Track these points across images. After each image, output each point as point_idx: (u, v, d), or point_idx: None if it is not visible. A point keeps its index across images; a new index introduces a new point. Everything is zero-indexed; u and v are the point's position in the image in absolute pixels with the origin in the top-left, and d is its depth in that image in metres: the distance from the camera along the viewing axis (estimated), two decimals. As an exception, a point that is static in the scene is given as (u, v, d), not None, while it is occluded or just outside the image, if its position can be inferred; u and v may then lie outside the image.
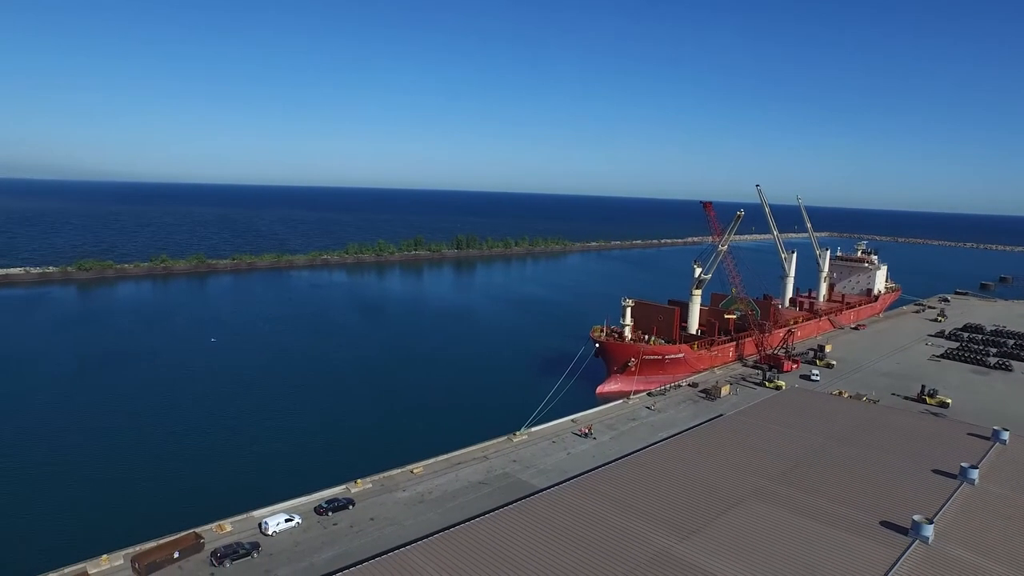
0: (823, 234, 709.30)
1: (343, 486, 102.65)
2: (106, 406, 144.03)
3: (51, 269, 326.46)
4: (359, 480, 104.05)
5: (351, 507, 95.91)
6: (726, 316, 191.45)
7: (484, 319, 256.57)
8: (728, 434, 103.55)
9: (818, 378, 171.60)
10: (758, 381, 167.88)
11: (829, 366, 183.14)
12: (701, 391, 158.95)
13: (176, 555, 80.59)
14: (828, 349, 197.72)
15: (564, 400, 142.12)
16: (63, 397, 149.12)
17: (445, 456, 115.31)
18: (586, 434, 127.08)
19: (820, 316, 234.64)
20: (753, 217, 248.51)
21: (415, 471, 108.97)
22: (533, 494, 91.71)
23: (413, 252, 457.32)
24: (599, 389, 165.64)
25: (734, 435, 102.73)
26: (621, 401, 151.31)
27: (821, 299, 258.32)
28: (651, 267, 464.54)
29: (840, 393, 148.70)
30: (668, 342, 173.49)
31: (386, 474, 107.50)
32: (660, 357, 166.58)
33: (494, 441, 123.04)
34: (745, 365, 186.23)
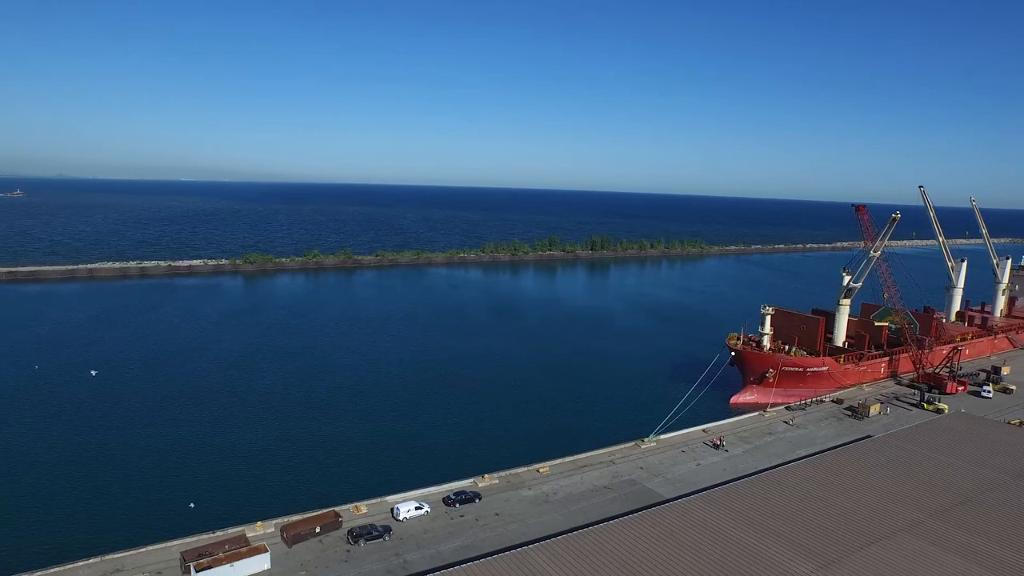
0: (1002, 240, 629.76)
1: (471, 480, 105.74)
2: (265, 390, 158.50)
3: (223, 261, 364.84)
4: (486, 475, 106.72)
5: (478, 500, 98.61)
6: (877, 325, 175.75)
7: (615, 321, 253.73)
8: (878, 458, 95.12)
9: (989, 395, 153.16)
10: (915, 402, 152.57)
11: (1006, 391, 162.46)
12: (846, 408, 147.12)
13: (317, 530, 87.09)
14: (1005, 371, 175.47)
15: (695, 409, 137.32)
16: (230, 379, 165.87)
17: (571, 458, 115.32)
18: (718, 445, 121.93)
19: (995, 333, 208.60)
20: (915, 221, 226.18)
21: (541, 470, 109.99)
22: (660, 504, 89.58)
23: (547, 252, 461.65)
24: (733, 399, 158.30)
25: (885, 460, 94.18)
26: (757, 413, 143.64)
27: (997, 314, 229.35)
28: (794, 273, 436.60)
29: (1020, 424, 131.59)
30: (811, 354, 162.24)
31: (513, 471, 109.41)
32: (801, 369, 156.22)
33: (621, 446, 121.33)
34: (899, 383, 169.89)
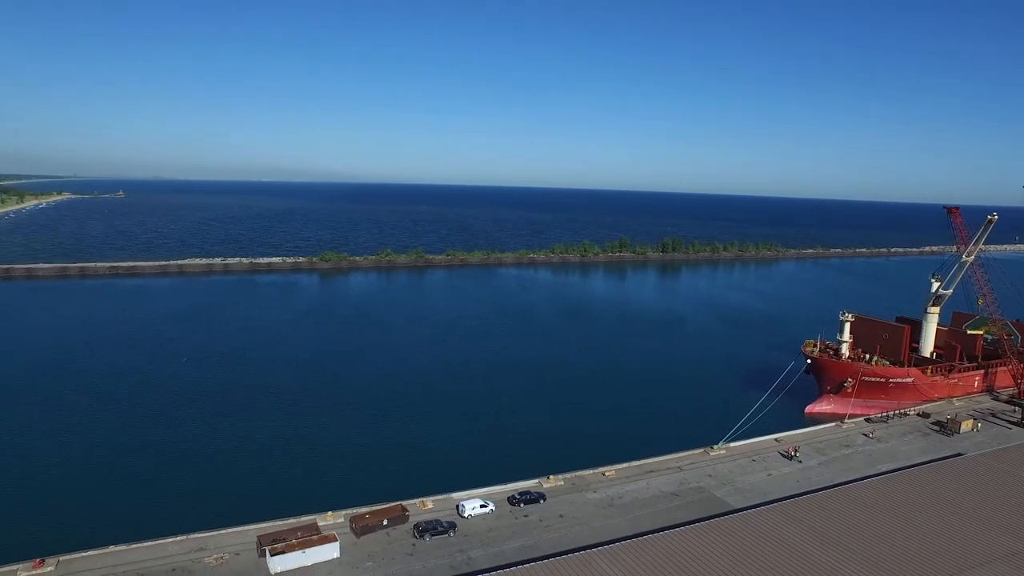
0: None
1: (536, 480, 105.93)
2: (337, 385, 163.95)
3: (300, 259, 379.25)
4: (552, 476, 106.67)
5: (542, 501, 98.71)
6: (971, 335, 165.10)
7: (686, 325, 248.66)
8: (972, 478, 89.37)
9: None
10: (1015, 420, 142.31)
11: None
12: (934, 423, 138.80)
13: (385, 522, 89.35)
14: None
15: (768, 417, 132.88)
16: (304, 373, 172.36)
17: (638, 462, 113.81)
18: (791, 456, 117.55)
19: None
20: (1016, 223, 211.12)
21: (607, 474, 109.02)
22: (728, 513, 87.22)
23: (618, 254, 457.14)
24: (808, 409, 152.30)
25: (980, 481, 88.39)
26: (833, 424, 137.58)
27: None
28: (876, 279, 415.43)
29: None
30: (894, 364, 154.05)
31: (578, 473, 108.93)
32: (883, 380, 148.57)
33: (689, 452, 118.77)
34: (996, 399, 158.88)
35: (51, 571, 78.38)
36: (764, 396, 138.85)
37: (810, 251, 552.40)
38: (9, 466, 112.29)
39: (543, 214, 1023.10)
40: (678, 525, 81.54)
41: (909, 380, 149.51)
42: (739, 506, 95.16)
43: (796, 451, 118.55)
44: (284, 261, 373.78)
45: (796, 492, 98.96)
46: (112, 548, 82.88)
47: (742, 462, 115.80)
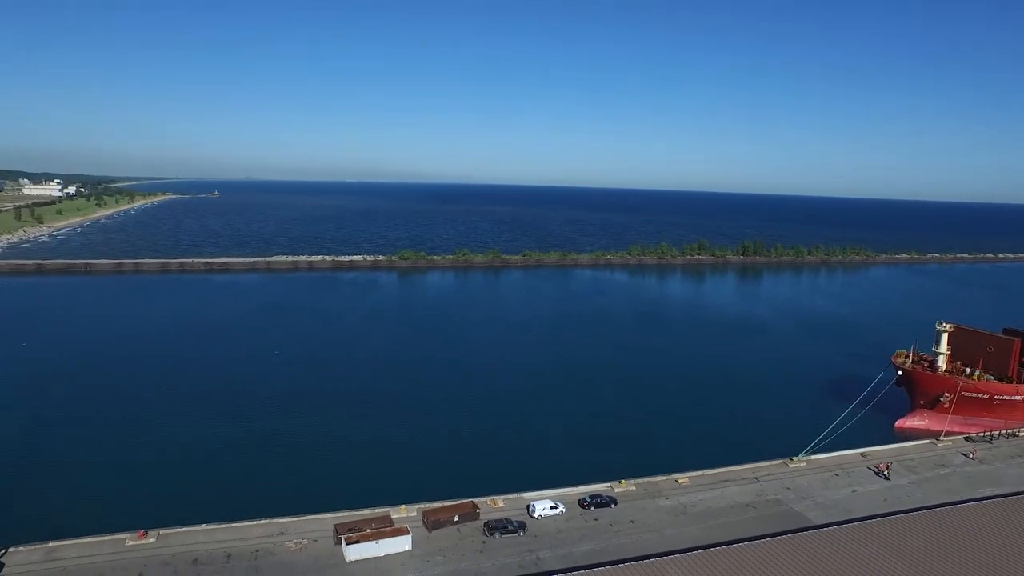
0: None
1: (607, 484, 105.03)
2: (412, 382, 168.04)
3: (380, 257, 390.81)
4: (623, 480, 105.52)
5: (613, 506, 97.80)
6: None
7: (766, 331, 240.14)
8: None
9: None
10: None
11: None
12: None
13: (456, 518, 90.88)
14: None
15: (853, 430, 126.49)
16: (381, 369, 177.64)
17: (713, 471, 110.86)
18: (882, 472, 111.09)
19: None
20: None
21: (680, 481, 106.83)
22: (808, 529, 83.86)
23: (696, 256, 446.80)
24: (899, 423, 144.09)
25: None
26: (928, 441, 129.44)
27: None
28: (981, 287, 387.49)
29: None
30: (1000, 379, 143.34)
31: (650, 479, 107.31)
32: (987, 396, 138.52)
33: (767, 463, 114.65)
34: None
35: (153, 542, 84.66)
36: (849, 408, 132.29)
37: (903, 256, 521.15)
38: (122, 446, 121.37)
39: (619, 215, 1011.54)
40: (753, 538, 79.00)
41: (1019, 398, 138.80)
42: (819, 522, 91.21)
43: (888, 468, 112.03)
44: (365, 259, 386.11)
45: (883, 512, 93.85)
46: (204, 526, 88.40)
47: (824, 476, 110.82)
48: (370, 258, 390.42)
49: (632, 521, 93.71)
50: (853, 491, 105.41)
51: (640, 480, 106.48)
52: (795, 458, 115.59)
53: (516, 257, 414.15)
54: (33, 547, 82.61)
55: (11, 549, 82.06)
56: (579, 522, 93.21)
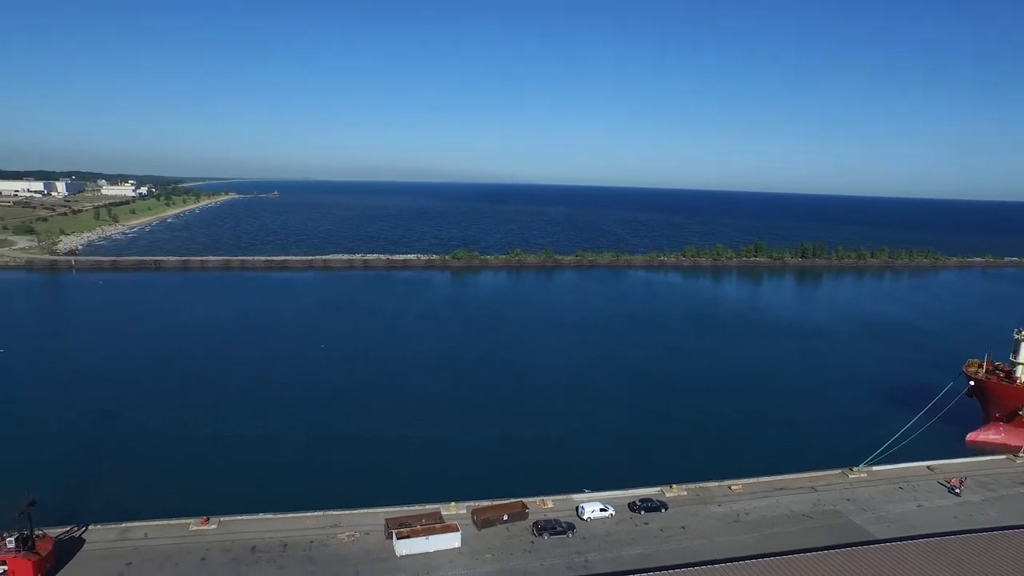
0: None
1: (658, 488, 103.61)
2: (463, 380, 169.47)
3: (434, 257, 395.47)
4: (674, 485, 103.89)
5: (663, 510, 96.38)
6: None
7: (825, 336, 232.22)
8: None
9: None
10: None
11: None
12: None
13: (505, 517, 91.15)
14: None
15: (918, 441, 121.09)
16: (433, 367, 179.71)
17: (767, 478, 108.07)
18: (954, 488, 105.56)
19: None
20: None
21: (733, 488, 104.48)
22: (868, 543, 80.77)
23: (752, 258, 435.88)
24: (971, 436, 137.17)
25: None
26: (1004, 457, 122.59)
27: None
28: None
29: None
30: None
31: (702, 485, 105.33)
32: None
33: (825, 472, 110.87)
34: None
35: (214, 528, 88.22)
36: (915, 418, 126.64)
37: (978, 259, 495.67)
38: (187, 436, 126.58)
39: (674, 216, 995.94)
40: (810, 550, 76.63)
41: None
42: (881, 536, 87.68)
43: (962, 483, 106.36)
44: (419, 258, 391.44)
45: (952, 530, 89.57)
46: (261, 515, 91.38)
47: (886, 488, 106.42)
48: (424, 257, 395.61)
49: (683, 527, 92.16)
50: (919, 506, 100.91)
51: (691, 485, 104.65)
52: (855, 468, 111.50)
53: (569, 257, 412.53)
54: (109, 526, 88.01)
55: (91, 527, 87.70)
56: (629, 526, 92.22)
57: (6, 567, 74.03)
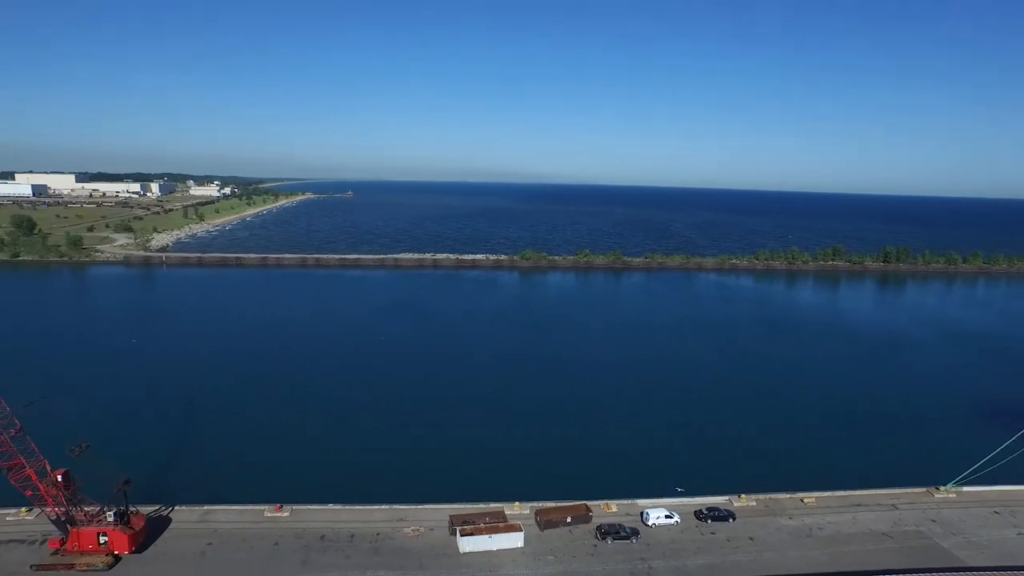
0: None
1: (725, 497, 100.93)
2: (528, 381, 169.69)
3: (502, 257, 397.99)
4: (743, 495, 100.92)
5: (731, 520, 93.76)
6: None
7: (911, 345, 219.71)
8: None
9: None
10: None
11: None
12: None
13: (568, 519, 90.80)
14: None
15: (1018, 462, 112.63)
16: (499, 367, 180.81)
17: (843, 492, 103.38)
18: None
19: None
20: None
21: (806, 501, 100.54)
22: (960, 570, 75.99)
23: (830, 262, 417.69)
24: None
25: None
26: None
27: None
28: None
29: None
30: None
31: (773, 496, 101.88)
32: None
33: (907, 490, 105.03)
34: None
35: (287, 516, 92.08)
36: (1015, 437, 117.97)
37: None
38: (265, 426, 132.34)
39: (747, 217, 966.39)
40: (891, 571, 72.83)
41: None
42: (973, 563, 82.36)
43: None
44: (487, 258, 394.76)
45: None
46: (331, 506, 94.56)
47: (979, 511, 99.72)
48: (492, 257, 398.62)
49: (751, 538, 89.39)
50: (1019, 533, 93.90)
51: (761, 496, 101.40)
52: (942, 487, 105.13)
53: (638, 259, 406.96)
54: (193, 508, 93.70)
55: (177, 507, 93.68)
56: (694, 534, 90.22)
57: (106, 538, 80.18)
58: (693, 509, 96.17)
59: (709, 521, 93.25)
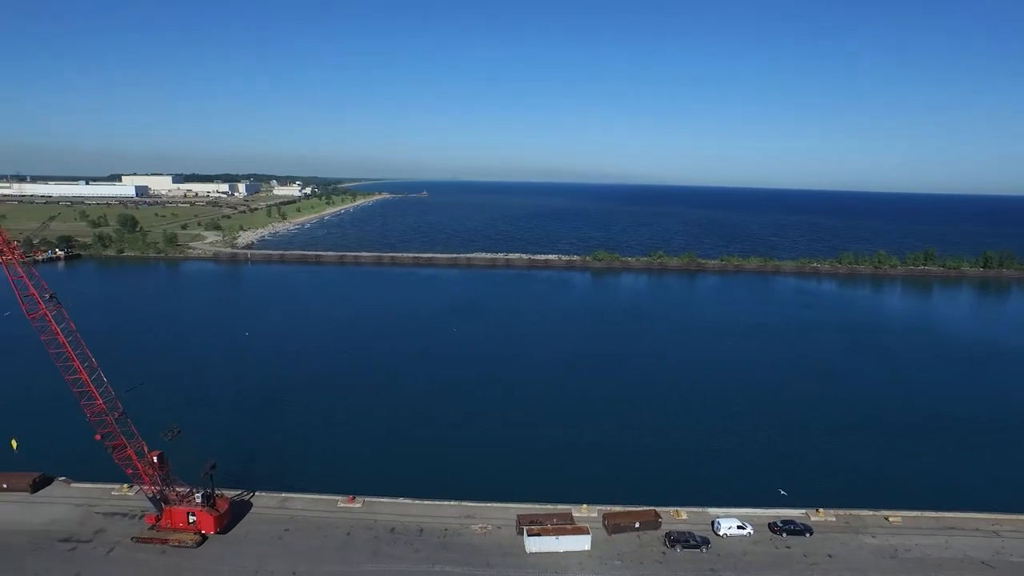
0: None
1: (802, 511, 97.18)
2: (602, 383, 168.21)
3: (574, 257, 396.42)
4: (821, 509, 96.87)
5: (808, 535, 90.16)
6: None
7: (1016, 357, 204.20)
8: None
9: None
10: None
11: None
12: None
13: (637, 525, 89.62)
14: None
15: None
16: (570, 369, 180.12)
17: (935, 513, 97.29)
18: None
19: None
20: None
21: (891, 519, 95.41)
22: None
23: (921, 267, 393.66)
24: None
25: None
26: None
27: None
28: None
29: None
30: None
31: (854, 511, 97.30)
32: None
33: (1013, 516, 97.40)
34: None
35: (359, 507, 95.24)
36: None
37: None
38: (340, 419, 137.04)
39: (829, 219, 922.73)
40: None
41: None
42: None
43: None
44: (559, 259, 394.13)
45: None
46: (401, 500, 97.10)
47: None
48: (564, 258, 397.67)
49: (830, 555, 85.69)
50: None
51: (841, 511, 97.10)
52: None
53: (713, 262, 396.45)
54: (272, 494, 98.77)
55: (257, 493, 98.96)
56: (768, 547, 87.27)
57: (195, 518, 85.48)
58: (767, 521, 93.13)
59: (784, 535, 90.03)
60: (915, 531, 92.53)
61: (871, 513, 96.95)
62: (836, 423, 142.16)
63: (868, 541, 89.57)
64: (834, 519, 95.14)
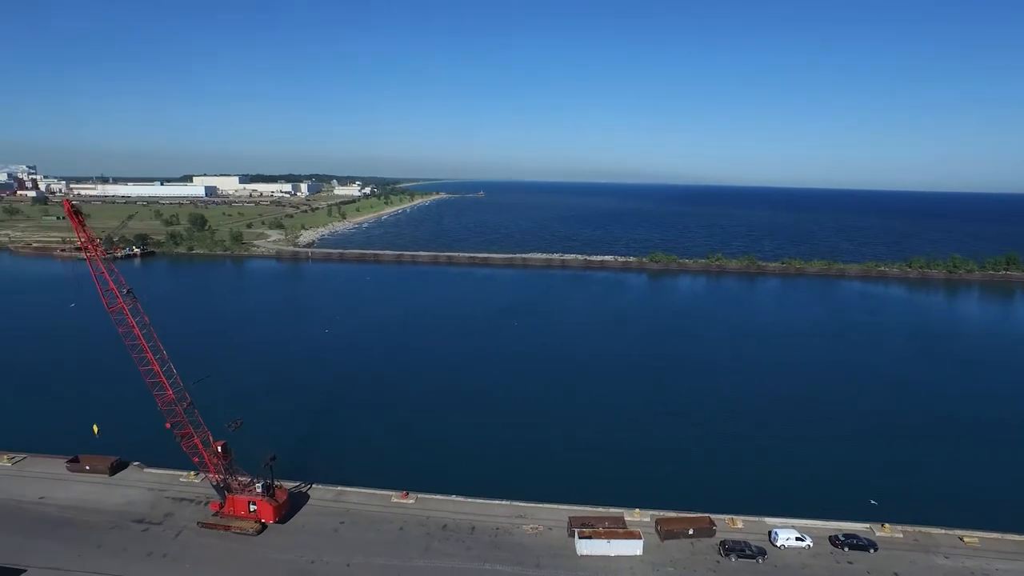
0: None
1: (867, 524, 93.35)
2: (658, 388, 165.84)
3: (631, 259, 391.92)
4: (887, 524, 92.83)
5: (872, 551, 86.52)
6: None
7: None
8: None
9: None
10: None
11: None
12: None
13: (691, 532, 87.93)
14: None
15: None
16: (625, 372, 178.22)
17: (1018, 536, 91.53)
18: None
19: None
20: None
21: (966, 539, 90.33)
22: None
23: (1001, 272, 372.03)
24: None
25: None
26: None
27: None
28: None
29: None
30: None
31: (924, 529, 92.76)
32: None
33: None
34: None
35: (413, 503, 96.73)
36: None
37: None
38: (395, 416, 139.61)
39: (899, 221, 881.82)
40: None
41: None
42: None
43: None
44: (616, 260, 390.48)
45: None
46: (454, 497, 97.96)
47: None
48: (620, 259, 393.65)
49: (896, 574, 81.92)
50: None
51: (909, 528, 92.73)
52: None
53: (774, 264, 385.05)
54: (328, 487, 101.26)
55: (314, 485, 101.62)
56: (828, 561, 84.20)
57: (255, 507, 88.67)
58: (828, 534, 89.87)
59: (846, 549, 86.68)
60: (994, 554, 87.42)
61: (943, 531, 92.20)
62: (905, 434, 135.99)
63: (940, 562, 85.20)
64: (901, 535, 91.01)
